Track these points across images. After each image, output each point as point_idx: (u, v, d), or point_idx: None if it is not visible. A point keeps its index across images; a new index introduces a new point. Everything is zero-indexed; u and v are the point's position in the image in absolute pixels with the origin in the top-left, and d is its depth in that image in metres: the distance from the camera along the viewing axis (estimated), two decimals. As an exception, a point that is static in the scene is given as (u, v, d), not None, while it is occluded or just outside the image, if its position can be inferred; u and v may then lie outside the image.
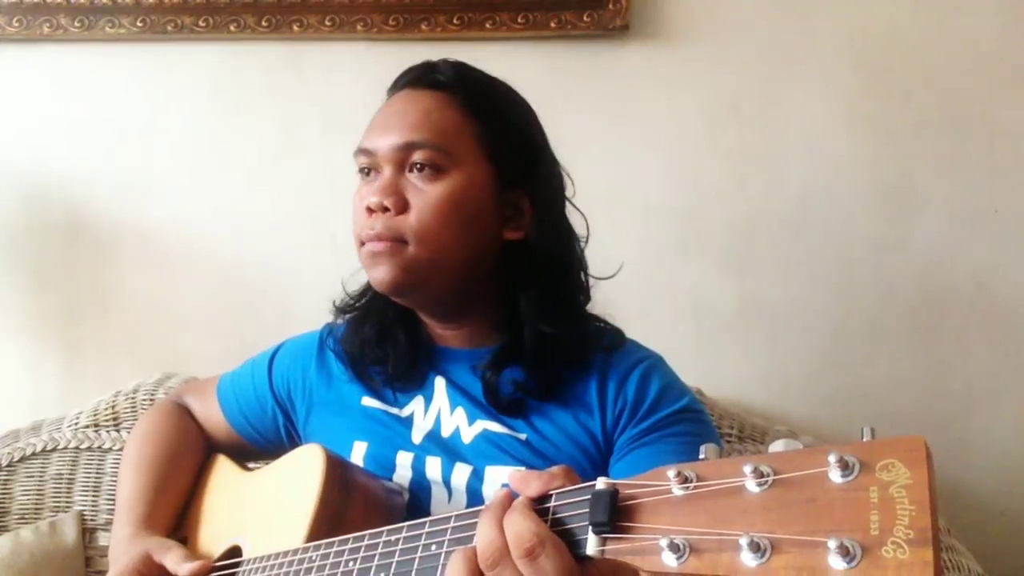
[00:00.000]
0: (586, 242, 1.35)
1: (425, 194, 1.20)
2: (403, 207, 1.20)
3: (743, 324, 2.04)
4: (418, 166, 1.20)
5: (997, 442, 2.03)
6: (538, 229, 1.26)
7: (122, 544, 1.35)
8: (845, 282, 2.01)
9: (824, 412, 2.00)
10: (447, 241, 1.20)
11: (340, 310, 1.41)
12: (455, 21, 1.95)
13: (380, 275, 1.21)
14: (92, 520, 1.81)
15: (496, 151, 1.24)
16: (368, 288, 1.36)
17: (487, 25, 1.95)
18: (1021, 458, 2.03)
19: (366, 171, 1.26)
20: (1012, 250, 1.99)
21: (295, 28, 1.96)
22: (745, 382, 2.03)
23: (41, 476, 1.82)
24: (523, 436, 1.25)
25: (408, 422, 1.32)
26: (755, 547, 0.59)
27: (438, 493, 1.26)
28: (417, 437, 1.30)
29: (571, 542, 0.73)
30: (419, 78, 1.28)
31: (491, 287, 1.28)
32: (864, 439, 0.59)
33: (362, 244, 1.23)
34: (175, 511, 1.44)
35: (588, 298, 1.34)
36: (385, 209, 1.19)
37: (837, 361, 2.03)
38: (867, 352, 2.02)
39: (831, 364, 2.03)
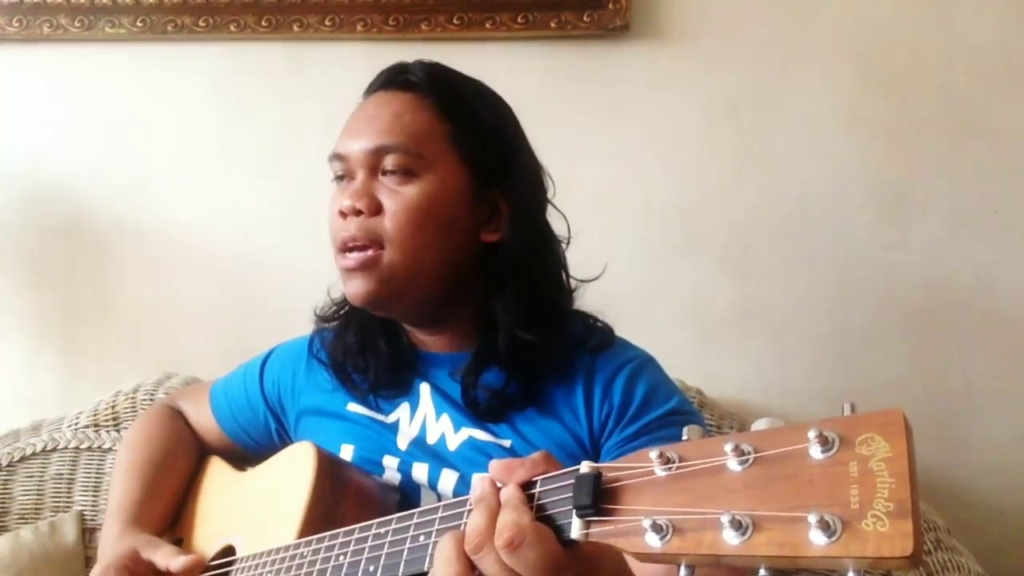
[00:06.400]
0: (567, 244, 1.34)
1: (398, 198, 1.19)
2: (376, 210, 1.19)
3: (743, 324, 2.03)
4: (390, 170, 1.19)
5: (997, 442, 2.02)
6: (513, 230, 1.24)
7: (109, 542, 1.35)
8: (845, 282, 2.01)
9: (824, 412, 1.94)
10: (422, 245, 1.19)
11: (321, 318, 1.40)
12: (455, 21, 1.95)
13: (355, 289, 1.21)
14: (92, 520, 1.80)
15: (469, 152, 1.23)
16: None
17: (487, 25, 1.94)
18: (1021, 458, 2.02)
19: (340, 176, 1.26)
20: (1012, 250, 1.98)
21: (295, 28, 1.96)
22: (745, 382, 2.03)
23: (41, 476, 1.82)
24: (507, 443, 1.24)
25: (393, 428, 1.31)
26: (737, 525, 0.59)
27: (427, 497, 1.25)
28: (403, 443, 1.29)
29: (556, 526, 0.73)
30: (391, 80, 1.28)
31: (470, 290, 1.26)
32: (845, 414, 0.59)
33: (339, 251, 1.22)
34: (166, 513, 1.45)
35: (570, 300, 1.33)
36: (358, 212, 1.19)
37: (837, 361, 2.02)
38: (867, 352, 2.02)
39: (831, 364, 2.02)
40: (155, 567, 1.27)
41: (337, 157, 1.24)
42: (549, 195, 1.34)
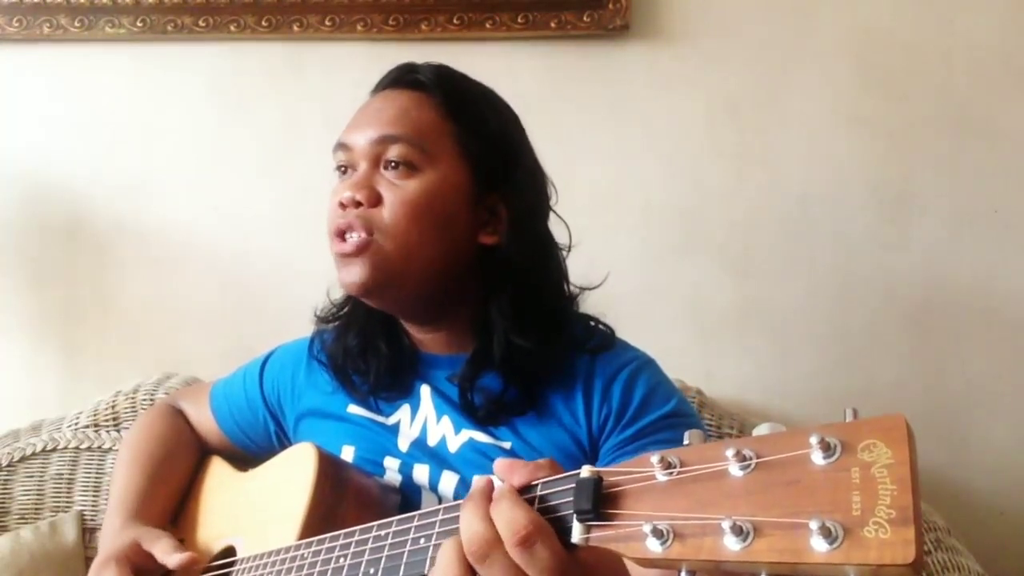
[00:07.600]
0: (568, 252, 1.34)
1: (398, 190, 1.19)
2: (375, 201, 1.19)
3: (743, 324, 2.03)
4: (392, 163, 1.19)
5: (997, 442, 2.02)
6: (511, 236, 1.24)
7: (111, 534, 1.35)
8: (845, 282, 2.00)
9: (824, 412, 1.97)
10: (416, 239, 1.19)
11: (321, 319, 1.40)
12: (455, 21, 1.94)
13: (350, 276, 1.20)
14: (92, 520, 1.80)
15: (472, 153, 1.23)
16: (349, 296, 1.34)
17: (487, 25, 1.94)
18: (1021, 458, 2.02)
19: (343, 168, 1.26)
20: (1012, 250, 1.98)
21: (295, 28, 1.96)
22: (745, 382, 2.02)
23: (41, 476, 1.82)
24: (507, 445, 1.23)
25: (394, 430, 1.31)
26: (738, 530, 0.59)
27: (427, 499, 1.25)
28: (404, 445, 1.29)
29: (556, 531, 0.73)
30: (399, 78, 1.28)
31: (467, 291, 1.26)
32: (847, 420, 0.58)
33: (334, 238, 1.21)
34: (168, 508, 1.45)
35: (570, 307, 1.32)
36: (357, 204, 1.19)
37: (837, 361, 2.02)
38: (867, 352, 2.01)
39: (831, 364, 2.02)
40: (155, 559, 1.27)
41: (341, 146, 1.25)
42: (552, 203, 1.33)
